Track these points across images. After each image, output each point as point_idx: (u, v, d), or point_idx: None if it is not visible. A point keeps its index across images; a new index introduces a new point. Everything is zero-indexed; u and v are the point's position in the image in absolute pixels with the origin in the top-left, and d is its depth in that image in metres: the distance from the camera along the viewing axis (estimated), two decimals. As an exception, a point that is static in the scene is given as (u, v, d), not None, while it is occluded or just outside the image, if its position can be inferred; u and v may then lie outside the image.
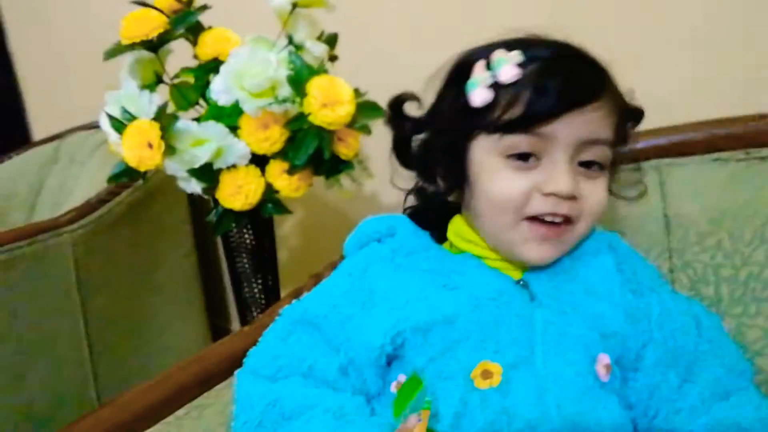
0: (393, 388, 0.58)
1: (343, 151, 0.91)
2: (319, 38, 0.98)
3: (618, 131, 0.61)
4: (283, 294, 1.21)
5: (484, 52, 0.60)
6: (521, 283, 0.61)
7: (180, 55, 0.99)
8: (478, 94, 0.58)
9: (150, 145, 0.87)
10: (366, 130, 0.89)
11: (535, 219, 0.58)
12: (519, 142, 0.57)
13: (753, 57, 0.84)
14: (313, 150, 0.87)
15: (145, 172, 0.93)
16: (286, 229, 1.40)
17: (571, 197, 0.57)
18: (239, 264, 1.13)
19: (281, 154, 0.92)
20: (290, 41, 0.95)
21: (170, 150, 0.88)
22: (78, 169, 1.44)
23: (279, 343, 0.62)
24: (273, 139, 0.90)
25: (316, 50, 0.95)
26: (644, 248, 0.72)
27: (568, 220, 0.59)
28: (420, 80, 0.66)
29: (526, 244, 0.59)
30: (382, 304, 0.60)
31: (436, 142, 0.63)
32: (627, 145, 0.65)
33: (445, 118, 0.62)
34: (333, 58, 1.01)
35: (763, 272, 0.66)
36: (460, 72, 0.61)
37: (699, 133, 0.77)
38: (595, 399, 0.55)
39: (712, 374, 0.58)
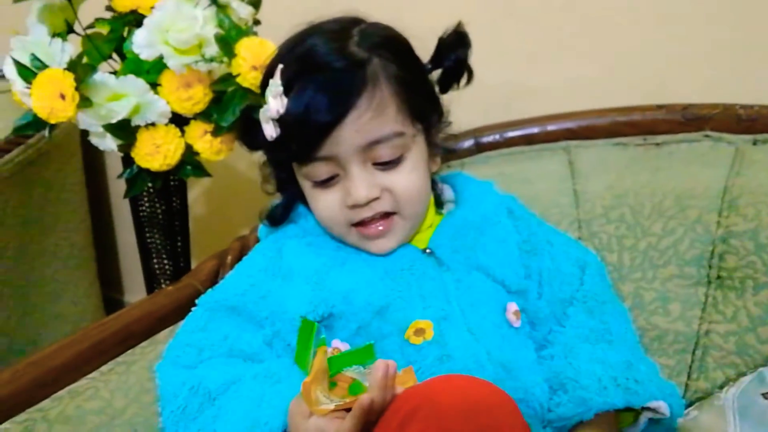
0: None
1: (268, 115, 0.90)
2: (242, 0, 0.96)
3: (412, 111, 0.60)
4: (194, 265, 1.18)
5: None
6: (427, 251, 0.65)
7: (90, 6, 0.94)
8: (267, 131, 0.60)
9: (63, 96, 0.81)
10: (293, 96, 0.89)
11: (360, 224, 0.62)
12: (311, 170, 0.61)
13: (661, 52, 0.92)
14: (239, 112, 0.85)
15: (54, 126, 0.87)
16: (193, 199, 1.35)
17: (373, 199, 0.60)
18: (149, 235, 1.09)
19: (203, 115, 0.90)
20: (214, 0, 0.92)
21: (85, 102, 0.83)
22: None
23: (197, 332, 0.62)
24: (196, 98, 0.88)
25: (243, 11, 0.93)
26: (556, 220, 0.78)
27: (388, 213, 0.62)
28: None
29: (365, 243, 0.63)
30: (301, 274, 0.62)
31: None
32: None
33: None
34: (256, 22, 0.99)
35: (660, 242, 0.75)
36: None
37: (603, 119, 0.85)
38: (514, 343, 0.61)
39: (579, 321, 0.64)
